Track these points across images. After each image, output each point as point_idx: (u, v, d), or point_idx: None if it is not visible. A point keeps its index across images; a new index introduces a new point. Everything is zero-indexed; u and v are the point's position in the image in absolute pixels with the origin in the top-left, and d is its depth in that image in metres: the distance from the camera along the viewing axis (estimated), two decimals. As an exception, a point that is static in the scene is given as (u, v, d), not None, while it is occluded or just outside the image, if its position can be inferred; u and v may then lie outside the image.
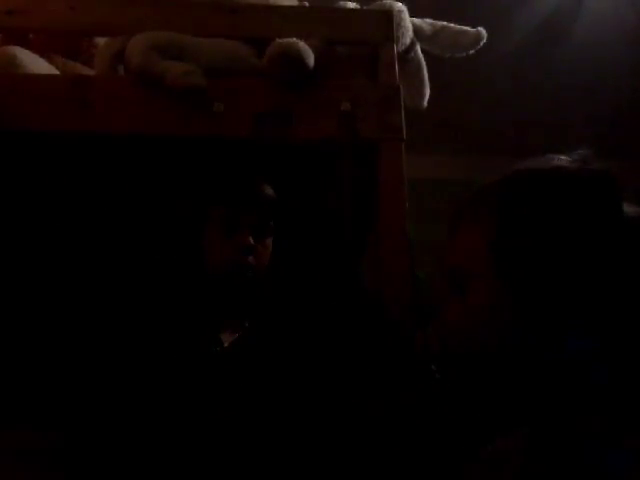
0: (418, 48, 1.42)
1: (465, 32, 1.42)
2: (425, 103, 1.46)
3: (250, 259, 1.11)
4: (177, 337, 1.08)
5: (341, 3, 1.40)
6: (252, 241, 1.12)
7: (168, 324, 1.09)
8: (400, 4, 1.38)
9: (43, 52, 1.27)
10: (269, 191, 1.18)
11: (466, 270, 0.65)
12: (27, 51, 1.21)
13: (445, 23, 1.43)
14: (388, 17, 1.29)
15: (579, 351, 0.58)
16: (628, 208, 0.62)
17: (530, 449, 0.65)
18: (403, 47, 1.36)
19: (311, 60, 1.17)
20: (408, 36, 1.37)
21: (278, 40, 1.18)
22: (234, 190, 1.14)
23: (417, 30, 1.40)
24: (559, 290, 0.58)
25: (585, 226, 0.60)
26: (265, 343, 1.13)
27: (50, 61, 1.27)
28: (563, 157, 0.66)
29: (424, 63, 1.43)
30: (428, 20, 1.43)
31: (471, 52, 1.44)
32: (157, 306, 1.12)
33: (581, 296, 0.58)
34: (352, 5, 1.40)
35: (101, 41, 1.31)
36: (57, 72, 1.27)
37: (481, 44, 1.42)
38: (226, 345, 1.10)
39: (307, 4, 1.45)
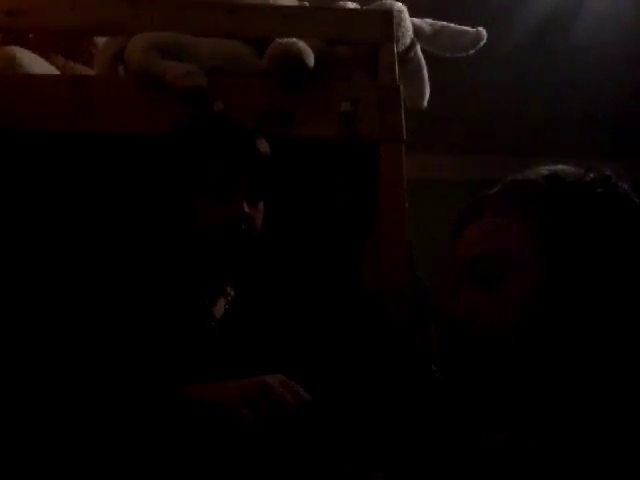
0: (418, 48, 1.42)
1: (465, 32, 1.42)
2: (425, 103, 1.46)
3: (243, 227, 1.01)
4: (166, 310, 0.98)
5: (341, 3, 1.40)
6: (246, 207, 1.01)
7: (155, 296, 0.99)
8: (400, 4, 1.38)
9: (43, 52, 1.27)
10: (264, 147, 1.07)
11: (506, 258, 0.63)
12: (27, 51, 1.22)
13: (445, 23, 1.43)
14: (388, 17, 1.29)
15: (615, 353, 0.58)
16: None
17: (529, 443, 0.65)
18: (403, 47, 1.36)
19: (311, 60, 1.17)
20: (408, 36, 1.37)
21: (278, 40, 1.18)
22: (227, 149, 1.02)
23: (417, 30, 1.40)
24: (609, 281, 0.58)
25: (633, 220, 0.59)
26: (258, 321, 1.06)
27: (50, 61, 1.27)
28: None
29: (424, 63, 1.43)
30: (428, 20, 1.43)
31: (471, 52, 1.44)
32: (141, 276, 1.01)
33: (631, 292, 0.57)
34: (352, 5, 1.40)
35: (101, 41, 1.31)
36: (57, 72, 1.27)
37: (481, 44, 1.42)
38: (218, 317, 1.03)
39: (307, 4, 1.45)
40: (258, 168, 1.03)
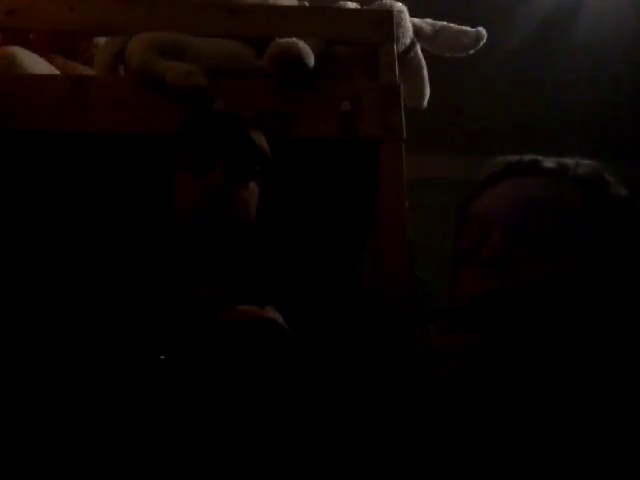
0: (418, 48, 1.42)
1: (465, 32, 1.42)
2: (425, 103, 1.46)
3: (222, 203, 0.94)
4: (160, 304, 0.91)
5: (341, 3, 1.40)
6: (225, 182, 0.95)
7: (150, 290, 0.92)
8: (400, 4, 1.38)
9: (43, 52, 1.27)
10: (256, 137, 1.02)
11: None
12: (27, 51, 1.22)
13: (445, 23, 1.43)
14: (388, 17, 1.29)
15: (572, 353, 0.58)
16: None
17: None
18: (403, 47, 1.36)
19: (311, 60, 1.17)
20: (408, 36, 1.37)
21: (278, 40, 1.18)
22: (208, 126, 0.98)
23: (417, 30, 1.40)
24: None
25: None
26: None
27: (50, 61, 1.27)
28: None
29: (424, 63, 1.43)
30: (428, 20, 1.43)
31: (471, 52, 1.44)
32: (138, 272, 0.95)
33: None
34: (352, 5, 1.40)
35: (101, 41, 1.31)
36: (57, 72, 1.27)
37: (481, 44, 1.42)
38: None
39: (307, 4, 1.45)
40: (241, 147, 0.98)
